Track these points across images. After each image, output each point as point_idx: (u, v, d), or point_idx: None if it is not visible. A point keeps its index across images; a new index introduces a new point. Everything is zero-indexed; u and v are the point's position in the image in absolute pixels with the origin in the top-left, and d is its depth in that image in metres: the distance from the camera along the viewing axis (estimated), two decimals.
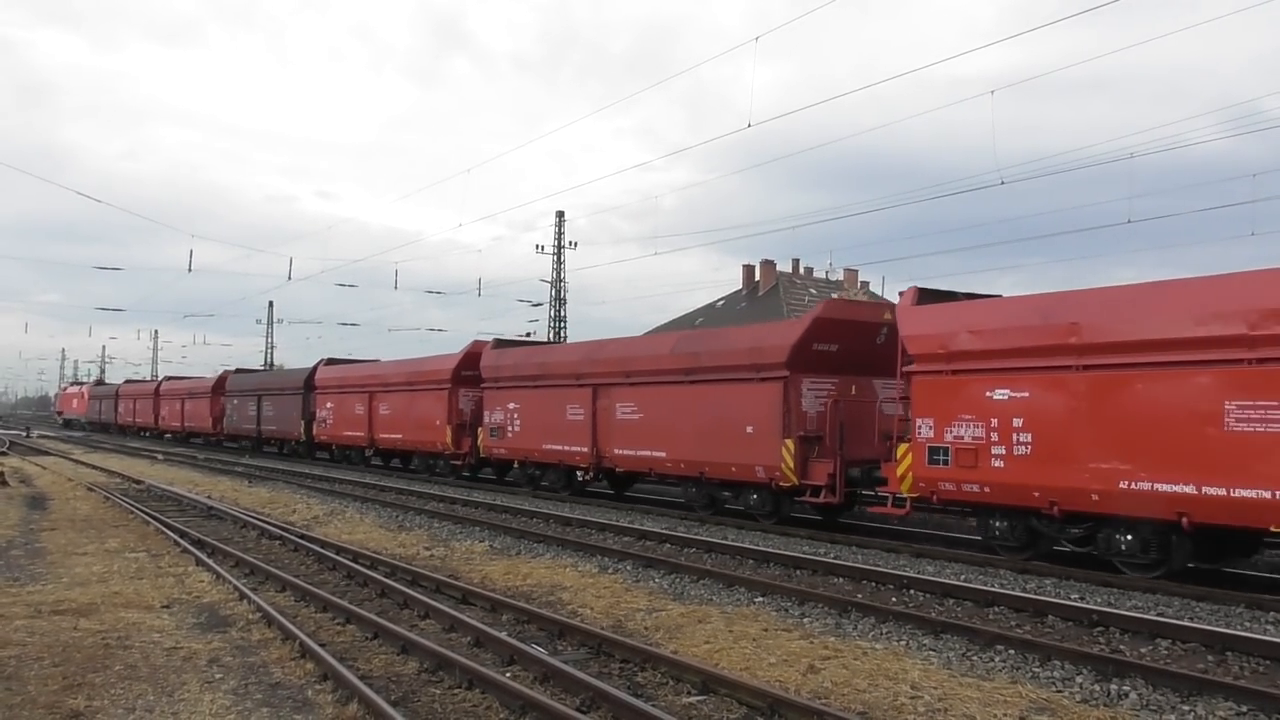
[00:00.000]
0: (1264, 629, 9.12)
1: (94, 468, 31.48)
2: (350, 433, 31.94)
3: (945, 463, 12.96)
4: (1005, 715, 6.53)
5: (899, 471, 13.62)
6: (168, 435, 52.05)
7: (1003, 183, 19.56)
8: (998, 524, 12.89)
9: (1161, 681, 7.27)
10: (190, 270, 35.76)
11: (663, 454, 18.32)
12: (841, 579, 11.78)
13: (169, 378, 60.18)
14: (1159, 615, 9.50)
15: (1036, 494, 11.98)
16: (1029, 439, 12.07)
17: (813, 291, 54.34)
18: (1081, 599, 10.36)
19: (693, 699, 6.89)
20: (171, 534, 15.18)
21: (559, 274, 48.86)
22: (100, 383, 79.94)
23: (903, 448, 13.60)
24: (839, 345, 15.94)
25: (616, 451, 19.54)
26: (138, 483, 25.44)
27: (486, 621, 9.21)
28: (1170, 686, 7.17)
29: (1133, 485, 11.01)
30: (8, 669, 7.50)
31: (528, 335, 48.74)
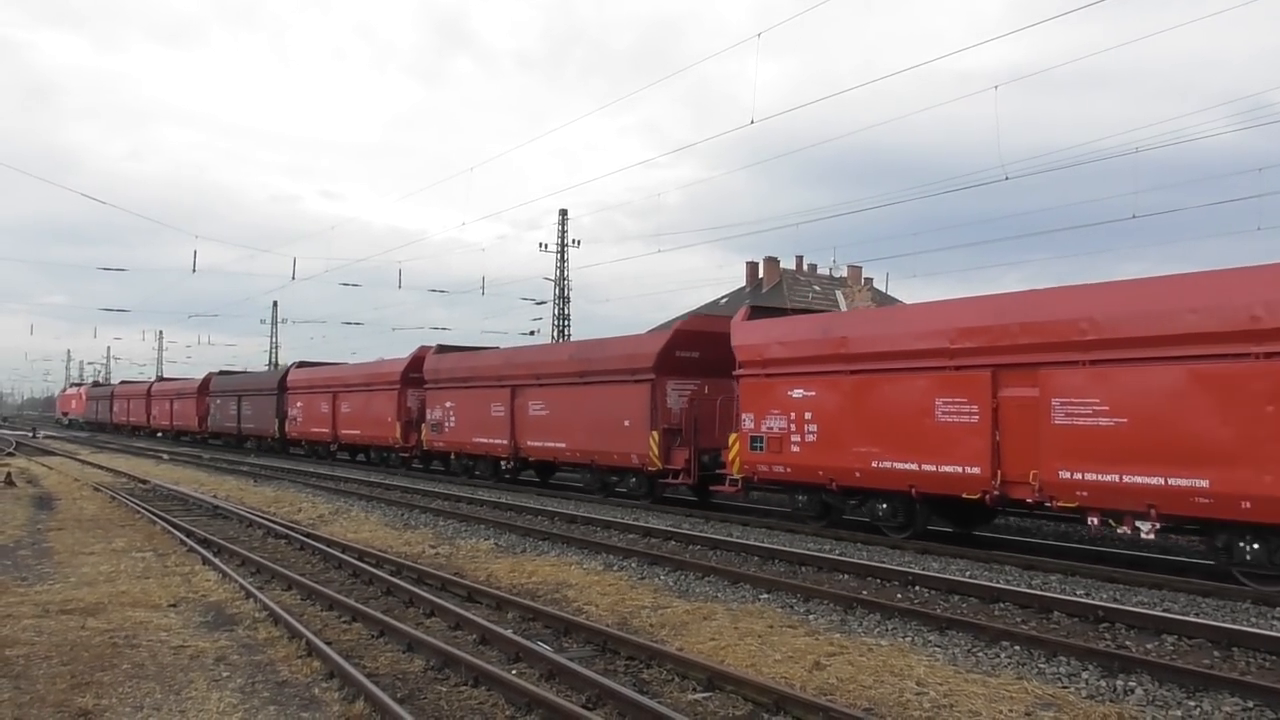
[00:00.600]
0: (1270, 624, 9.11)
1: (100, 468, 31.57)
2: (317, 429, 35.23)
3: (762, 449, 16.06)
4: (1011, 711, 6.53)
5: (730, 457, 16.71)
6: (159, 434, 55.66)
7: (1007, 178, 19.58)
8: (800, 498, 16.04)
9: (1168, 677, 7.27)
10: (194, 271, 35.74)
11: (564, 445, 21.61)
12: (846, 576, 11.78)
13: (160, 378, 66.13)
14: (1165, 611, 9.49)
15: (821, 473, 15.03)
16: (815, 429, 15.21)
17: (816, 288, 54.32)
18: (1087, 595, 10.35)
19: (698, 696, 6.90)
20: (178, 533, 15.23)
21: (562, 272, 48.88)
22: (98, 384, 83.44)
23: (733, 437, 16.66)
24: (699, 353, 19.07)
25: (530, 443, 22.85)
26: (144, 482, 25.52)
27: (492, 619, 9.23)
28: (1176, 682, 7.17)
29: (881, 465, 14.05)
30: (16, 668, 7.54)
31: (532, 334, 48.76)
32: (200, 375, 51.17)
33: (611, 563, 12.78)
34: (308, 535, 15.00)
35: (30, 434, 64.61)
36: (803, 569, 12.30)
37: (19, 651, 8.02)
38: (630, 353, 19.82)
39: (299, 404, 37.89)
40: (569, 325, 48.97)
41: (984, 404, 12.75)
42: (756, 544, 13.79)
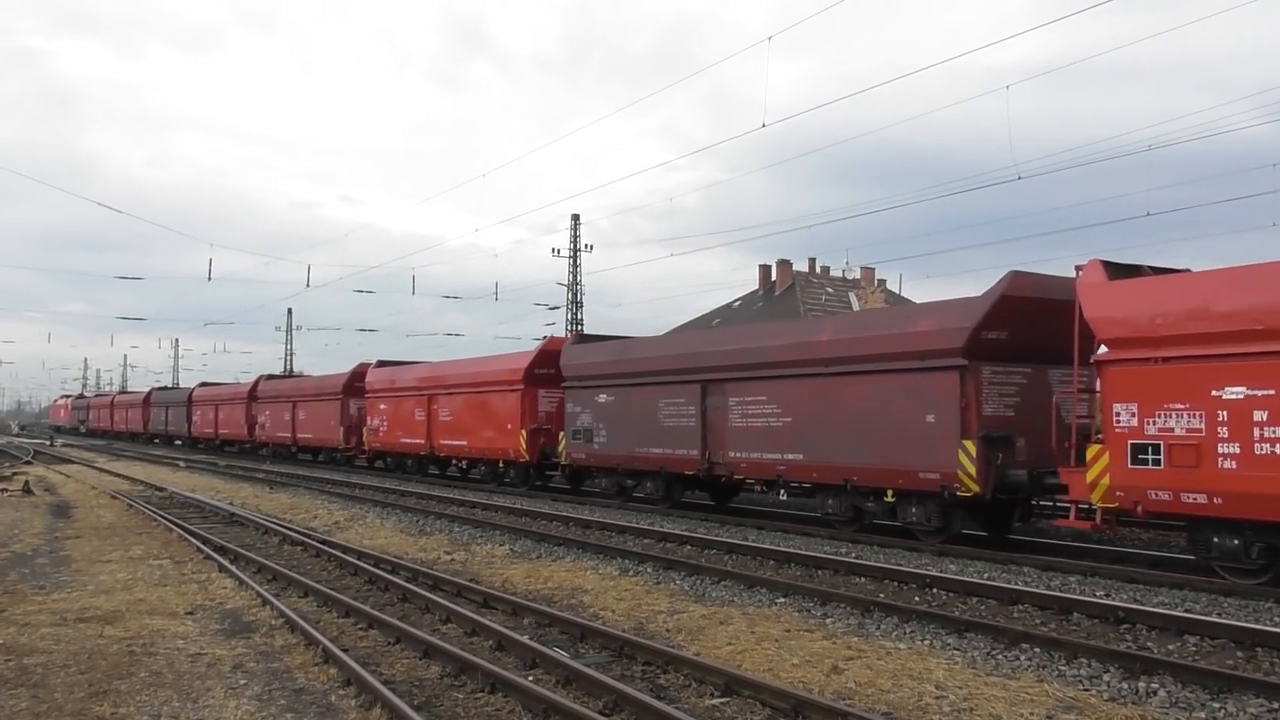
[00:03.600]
0: None
1: (117, 475, 31.75)
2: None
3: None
4: (1032, 714, 6.47)
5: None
6: (132, 436, 65.53)
7: (1019, 177, 19.47)
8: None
9: (1190, 678, 7.19)
10: (210, 279, 36.06)
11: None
12: (863, 579, 11.72)
13: (123, 391, 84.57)
14: (1186, 611, 9.40)
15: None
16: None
17: (829, 290, 54.17)
18: (1107, 596, 10.26)
19: (716, 701, 6.86)
20: (194, 540, 15.28)
21: (575, 277, 48.93)
22: (81, 396, 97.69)
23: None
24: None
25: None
26: (160, 490, 25.63)
27: (508, 625, 9.20)
28: (1199, 683, 7.09)
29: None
30: (35, 676, 7.56)
31: (543, 339, 49.01)
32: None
33: (627, 567, 12.75)
34: (323, 542, 15.02)
35: (48, 442, 65.14)
36: (820, 572, 12.24)
37: (37, 660, 8.05)
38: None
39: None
40: (582, 329, 49.02)
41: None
42: (773, 548, 13.73)
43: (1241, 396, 10.60)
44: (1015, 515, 14.46)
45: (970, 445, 13.25)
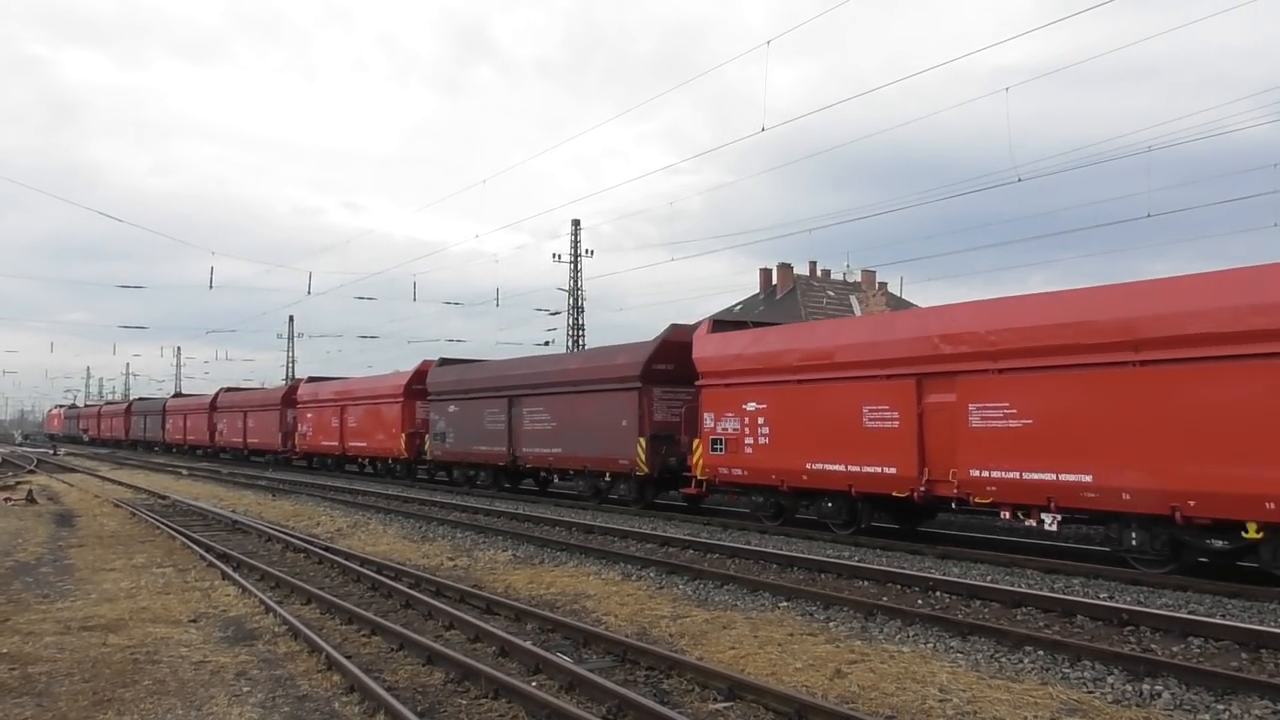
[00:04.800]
0: None
1: (120, 484, 31.77)
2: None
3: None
4: (1036, 717, 6.46)
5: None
6: (127, 444, 71.41)
7: (1020, 179, 19.44)
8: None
9: (1195, 680, 7.18)
10: (211, 287, 36.09)
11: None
12: (866, 582, 11.71)
13: (108, 402, 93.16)
14: (1190, 613, 9.39)
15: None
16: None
17: (830, 294, 54.12)
18: (1111, 598, 10.25)
19: (719, 705, 6.85)
20: (197, 548, 15.29)
21: (576, 282, 48.94)
22: (73, 406, 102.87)
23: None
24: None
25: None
26: (163, 498, 25.65)
27: (511, 631, 9.21)
28: (1204, 685, 7.08)
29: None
30: (39, 685, 7.57)
31: (546, 344, 48.93)
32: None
33: (630, 572, 12.74)
34: (326, 549, 15.02)
35: (51, 451, 65.22)
36: (822, 576, 12.23)
37: (41, 669, 8.06)
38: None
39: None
40: (583, 335, 49.03)
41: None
42: (775, 551, 13.73)
43: (754, 408, 17.10)
44: (676, 485, 20.02)
45: (643, 442, 19.93)
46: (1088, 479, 11.98)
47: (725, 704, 6.86)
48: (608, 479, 21.43)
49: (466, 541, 16.30)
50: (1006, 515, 13.31)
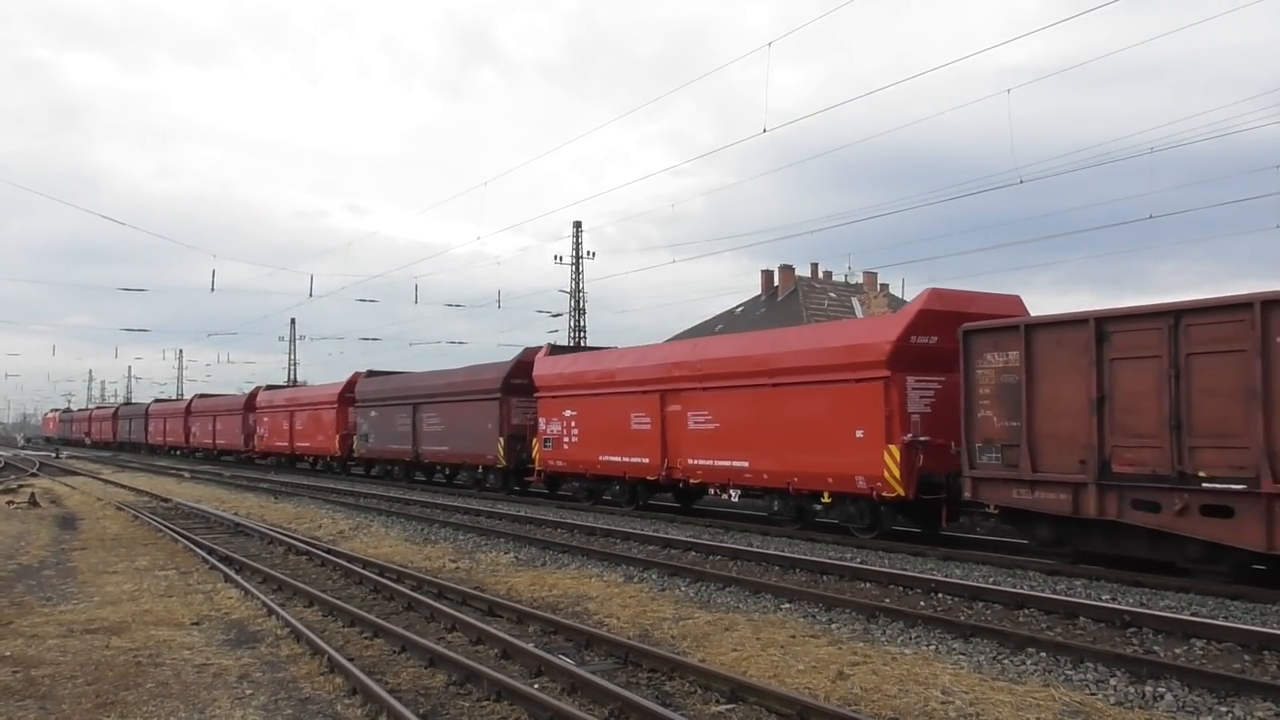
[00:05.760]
0: None
1: (122, 487, 31.79)
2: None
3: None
4: (1038, 719, 6.46)
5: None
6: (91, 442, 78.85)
7: (1021, 181, 19.46)
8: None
9: (1198, 682, 7.18)
10: (213, 290, 36.21)
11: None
12: (868, 584, 11.70)
13: (99, 406, 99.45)
14: (1193, 615, 9.38)
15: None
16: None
17: (832, 295, 54.12)
18: (1113, 600, 10.24)
19: (721, 708, 6.85)
20: (200, 551, 15.31)
21: (578, 284, 48.95)
22: (67, 410, 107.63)
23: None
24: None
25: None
26: (165, 501, 25.67)
27: (513, 633, 9.21)
28: (1207, 687, 7.08)
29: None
30: (42, 688, 7.58)
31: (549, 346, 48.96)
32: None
33: (632, 574, 12.74)
34: (328, 551, 15.03)
35: (54, 454, 65.29)
36: (824, 578, 12.23)
37: (44, 672, 8.07)
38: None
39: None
40: (585, 337, 49.02)
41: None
42: (777, 553, 13.73)
43: (569, 414, 21.99)
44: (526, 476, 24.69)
45: (501, 441, 25.22)
46: (746, 465, 17.25)
47: (727, 706, 6.86)
48: (481, 471, 26.88)
49: (469, 544, 16.30)
50: (713, 491, 18.81)
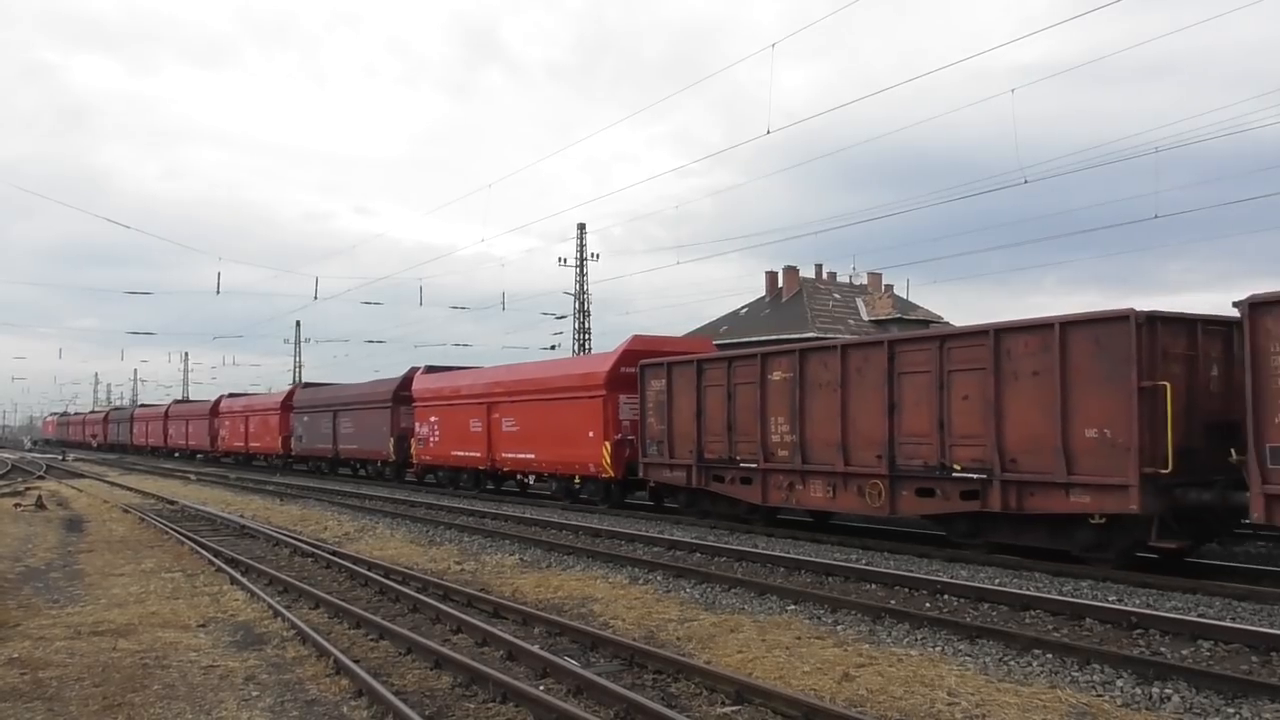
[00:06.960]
0: None
1: (128, 489, 31.87)
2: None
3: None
4: None
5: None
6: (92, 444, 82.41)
7: (1025, 181, 19.47)
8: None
9: (1205, 684, 7.16)
10: (219, 293, 36.66)
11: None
12: (874, 586, 11.69)
13: (94, 410, 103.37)
14: (1200, 616, 9.35)
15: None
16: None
17: (836, 296, 54.05)
18: (1120, 601, 10.22)
19: (727, 709, 6.85)
20: (206, 553, 15.33)
21: (582, 286, 49.00)
22: (65, 414, 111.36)
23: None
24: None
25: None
26: (171, 503, 25.72)
27: (519, 635, 9.22)
28: (1214, 689, 7.06)
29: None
30: (49, 690, 7.60)
31: (552, 348, 49.07)
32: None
33: (637, 576, 12.74)
34: (334, 553, 15.05)
35: (60, 456, 65.49)
36: (830, 579, 12.22)
37: (52, 673, 8.09)
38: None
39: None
40: (589, 339, 49.06)
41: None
42: (783, 555, 13.72)
43: (434, 420, 28.68)
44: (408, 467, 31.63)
45: (392, 440, 31.97)
46: (534, 456, 23.89)
47: (733, 707, 6.86)
48: (379, 464, 34.05)
49: (474, 545, 16.31)
50: (519, 476, 25.80)
